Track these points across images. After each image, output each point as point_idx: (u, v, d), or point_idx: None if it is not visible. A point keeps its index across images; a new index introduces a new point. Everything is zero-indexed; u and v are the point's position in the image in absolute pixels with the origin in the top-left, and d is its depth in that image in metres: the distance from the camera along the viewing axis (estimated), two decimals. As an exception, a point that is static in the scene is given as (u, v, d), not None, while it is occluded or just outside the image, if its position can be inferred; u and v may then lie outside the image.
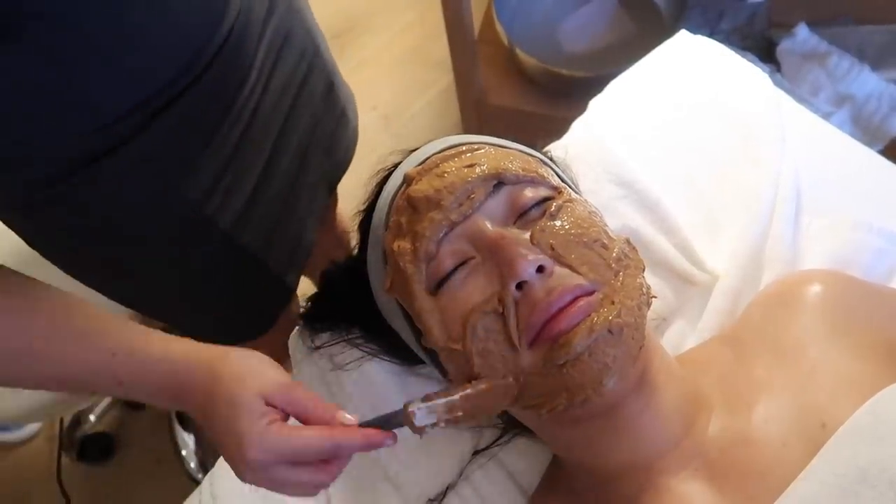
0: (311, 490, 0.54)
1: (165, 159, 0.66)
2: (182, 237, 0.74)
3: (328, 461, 0.53)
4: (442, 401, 0.51)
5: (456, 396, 0.51)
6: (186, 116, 0.65)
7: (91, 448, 1.49)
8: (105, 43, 0.56)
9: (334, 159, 0.89)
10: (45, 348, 0.55)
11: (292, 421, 0.53)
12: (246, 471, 0.52)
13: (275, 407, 0.52)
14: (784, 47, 1.40)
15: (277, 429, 0.51)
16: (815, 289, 0.60)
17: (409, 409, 0.50)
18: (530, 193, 0.56)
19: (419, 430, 0.50)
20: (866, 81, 1.36)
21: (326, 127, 0.86)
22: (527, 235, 0.54)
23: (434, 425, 0.51)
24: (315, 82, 0.82)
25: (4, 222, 0.71)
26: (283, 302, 0.89)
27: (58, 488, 1.44)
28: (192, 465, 1.44)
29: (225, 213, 0.73)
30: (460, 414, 0.51)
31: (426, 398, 0.50)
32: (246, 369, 0.54)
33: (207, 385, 0.54)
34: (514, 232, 0.54)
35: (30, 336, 0.54)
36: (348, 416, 0.53)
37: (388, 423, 0.52)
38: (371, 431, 0.52)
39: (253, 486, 0.66)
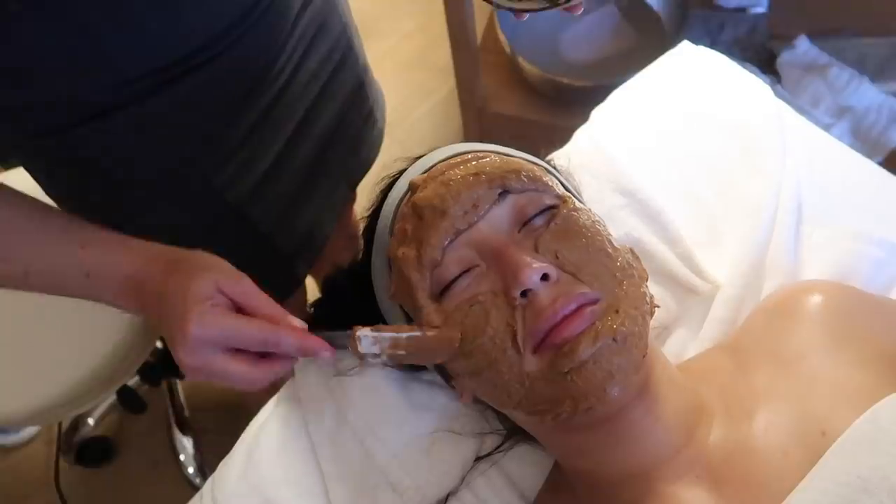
0: (244, 385, 0.55)
1: (177, 126, 0.67)
2: (189, 204, 0.75)
3: (265, 358, 0.55)
4: (388, 335, 0.53)
5: (403, 336, 0.53)
6: (204, 88, 0.65)
7: (89, 452, 1.49)
8: (126, 5, 0.56)
9: (357, 158, 0.90)
10: (13, 242, 0.57)
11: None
12: (184, 351, 0.53)
13: (226, 296, 0.55)
14: (784, 59, 1.41)
15: (221, 311, 0.54)
16: (816, 299, 0.60)
17: (357, 334, 0.51)
18: (535, 202, 0.56)
19: (360, 357, 0.52)
20: (866, 93, 1.37)
21: (352, 124, 0.87)
22: (531, 244, 0.54)
23: (376, 357, 0.53)
24: (344, 78, 0.83)
25: (26, 168, 0.72)
26: (287, 290, 0.89)
27: (56, 492, 1.44)
28: (191, 469, 1.44)
29: (235, 186, 0.75)
30: (402, 353, 0.53)
31: (375, 328, 0.52)
32: (207, 262, 0.57)
33: (167, 272, 0.57)
34: (518, 240, 0.55)
35: None
36: (298, 320, 0.55)
37: (333, 339, 0.54)
38: (312, 337, 0.54)
39: (253, 491, 0.67)
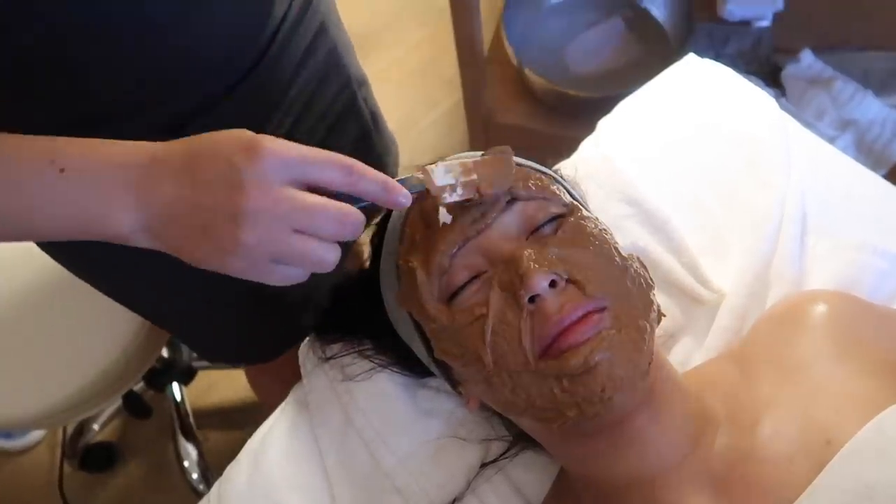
0: (309, 264, 0.48)
1: None
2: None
3: (339, 220, 0.47)
4: (456, 161, 0.53)
5: (469, 161, 0.54)
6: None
7: (94, 457, 1.49)
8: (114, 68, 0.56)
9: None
10: None
11: None
12: (243, 231, 0.44)
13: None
14: (789, 72, 1.42)
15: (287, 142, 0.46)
16: (821, 308, 0.61)
17: (427, 167, 0.50)
18: (543, 210, 0.57)
19: (438, 193, 0.51)
20: (870, 107, 1.37)
21: None
22: (539, 251, 0.54)
23: (454, 191, 0.51)
24: (346, 130, 0.81)
25: None
26: (293, 340, 0.86)
27: (60, 497, 1.44)
28: (195, 475, 1.44)
29: None
30: (475, 177, 0.53)
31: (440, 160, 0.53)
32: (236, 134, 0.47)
33: (191, 149, 0.47)
34: (526, 247, 0.55)
35: None
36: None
37: (405, 183, 0.51)
38: (391, 180, 0.49)
39: (260, 496, 0.68)
